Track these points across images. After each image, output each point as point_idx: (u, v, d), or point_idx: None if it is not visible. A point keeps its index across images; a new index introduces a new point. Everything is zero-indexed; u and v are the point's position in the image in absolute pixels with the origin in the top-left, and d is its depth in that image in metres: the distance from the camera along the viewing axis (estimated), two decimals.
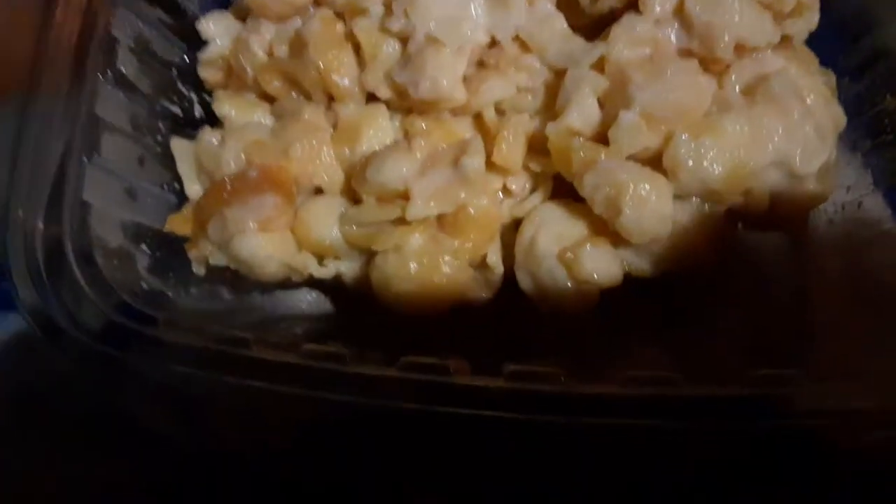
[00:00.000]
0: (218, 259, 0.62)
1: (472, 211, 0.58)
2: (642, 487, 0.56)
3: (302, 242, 0.62)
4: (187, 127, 0.73)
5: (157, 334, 0.56)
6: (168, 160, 0.69)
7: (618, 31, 0.57)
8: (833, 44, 0.68)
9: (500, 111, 0.63)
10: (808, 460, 0.49)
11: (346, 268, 0.62)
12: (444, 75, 0.59)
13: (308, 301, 0.68)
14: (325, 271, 0.62)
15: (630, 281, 0.60)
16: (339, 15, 0.66)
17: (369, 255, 0.61)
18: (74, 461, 0.63)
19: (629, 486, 0.56)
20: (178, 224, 0.63)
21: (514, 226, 0.60)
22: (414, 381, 0.50)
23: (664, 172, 0.54)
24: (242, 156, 0.63)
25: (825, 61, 0.65)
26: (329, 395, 0.51)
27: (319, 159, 0.63)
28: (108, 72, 0.64)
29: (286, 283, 0.64)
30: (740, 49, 0.57)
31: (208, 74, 0.72)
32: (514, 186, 0.61)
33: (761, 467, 0.50)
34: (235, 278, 0.65)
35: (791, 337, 0.59)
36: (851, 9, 0.70)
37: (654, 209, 0.53)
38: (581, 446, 0.51)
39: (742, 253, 0.63)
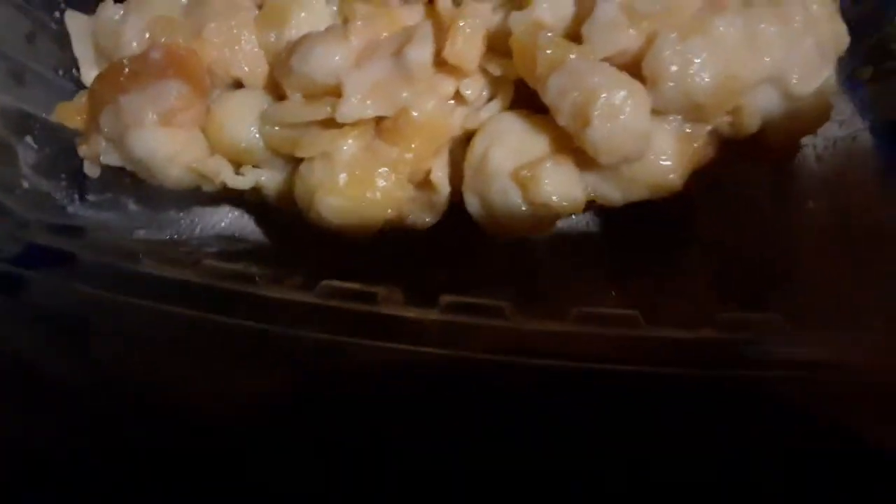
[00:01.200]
0: (112, 158, 0.52)
1: (415, 115, 0.49)
2: (593, 437, 0.49)
3: (215, 144, 0.53)
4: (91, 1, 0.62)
5: (35, 240, 0.47)
6: (65, 39, 0.58)
7: None
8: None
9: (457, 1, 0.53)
10: (782, 413, 0.43)
11: (267, 177, 0.53)
12: None
13: (229, 220, 0.59)
14: (242, 181, 0.53)
15: (592, 209, 0.52)
16: None
17: (294, 163, 0.52)
18: None
19: (577, 435, 0.49)
20: (69, 114, 0.53)
21: (466, 139, 0.52)
22: (333, 309, 0.42)
23: (643, 80, 0.46)
24: (147, 35, 0.53)
25: None
26: (230, 320, 0.42)
27: (239, 45, 0.53)
28: None
29: (202, 198, 0.55)
30: None
31: None
32: (468, 91, 0.51)
33: (730, 419, 0.44)
34: (141, 186, 0.56)
35: (769, 281, 0.53)
36: None
37: (627, 123, 0.44)
38: (524, 389, 0.44)
39: (720, 186, 0.56)
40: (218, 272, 0.45)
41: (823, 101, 0.52)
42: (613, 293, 0.53)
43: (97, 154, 0.52)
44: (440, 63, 0.51)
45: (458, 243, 0.53)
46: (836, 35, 0.52)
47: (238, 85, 0.54)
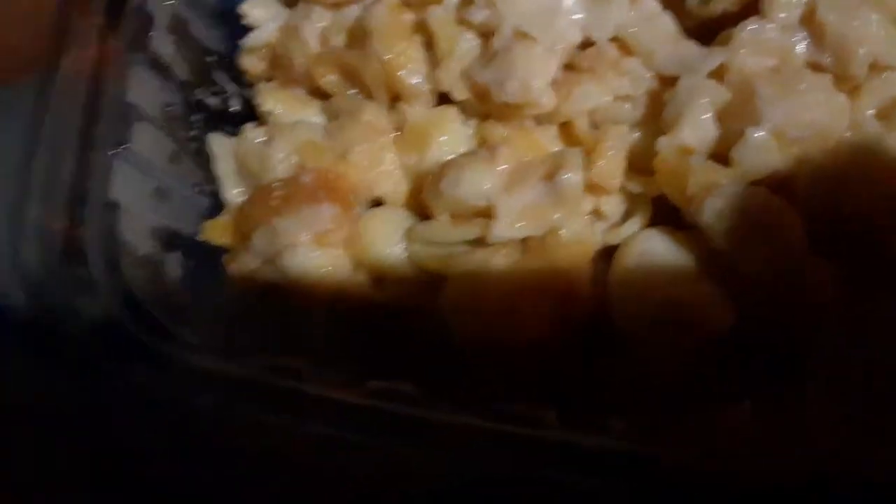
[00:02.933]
0: (262, 275, 0.53)
1: (563, 233, 0.50)
2: None
3: (359, 260, 0.54)
4: (222, 122, 0.65)
5: (189, 358, 0.48)
6: (202, 158, 0.61)
7: (742, 36, 0.50)
8: None
9: (591, 122, 0.55)
10: None
11: (409, 292, 0.54)
12: (535, 76, 0.52)
13: (365, 331, 0.59)
14: (384, 295, 0.54)
15: None
16: (406, 2, 0.58)
17: (437, 280, 0.53)
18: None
19: None
20: (217, 232, 0.55)
21: (606, 254, 0.53)
22: (509, 434, 0.42)
23: (794, 201, 0.47)
24: (293, 158, 0.55)
25: None
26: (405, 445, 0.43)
27: (382, 166, 0.55)
28: (141, 52, 0.56)
29: (336, 307, 0.56)
30: (873, 67, 0.51)
31: (250, 64, 0.64)
32: (607, 208, 0.53)
33: None
34: (277, 297, 0.57)
35: None
36: None
37: (788, 251, 0.45)
38: None
39: None
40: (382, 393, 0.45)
41: None
42: None
43: (247, 271, 0.54)
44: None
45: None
46: None
47: (378, 203, 0.56)
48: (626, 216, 0.54)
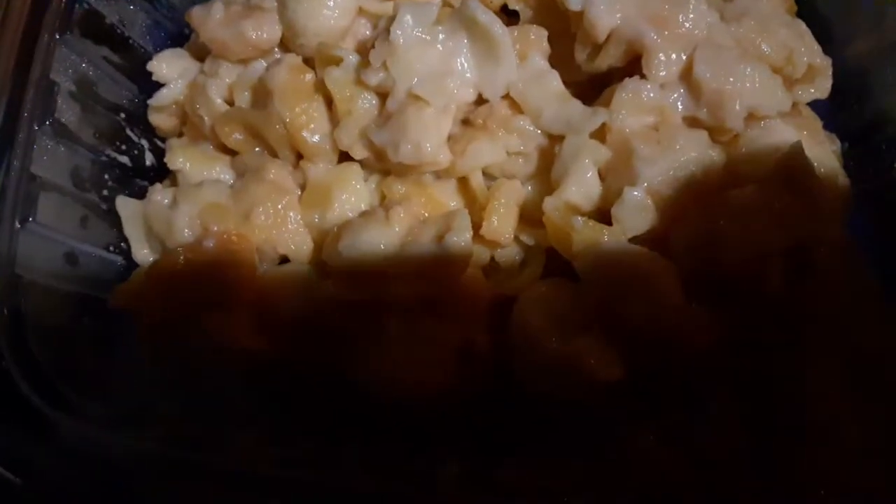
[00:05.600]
0: (172, 338, 0.54)
1: (456, 288, 0.52)
2: None
3: (264, 320, 0.55)
4: (137, 177, 0.66)
5: (96, 431, 0.49)
6: (114, 217, 0.61)
7: (621, 96, 0.51)
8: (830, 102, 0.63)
9: (487, 174, 0.57)
10: None
11: (315, 351, 0.56)
12: (428, 138, 0.53)
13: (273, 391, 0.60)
14: (291, 355, 0.55)
15: None
16: (309, 62, 0.60)
17: (342, 337, 0.54)
18: None
19: None
20: (126, 297, 0.56)
21: (503, 304, 0.54)
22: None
23: (671, 255, 0.49)
24: (198, 221, 0.56)
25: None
26: None
27: (286, 225, 0.56)
28: (46, 122, 0.56)
29: (244, 369, 0.57)
30: (750, 117, 0.53)
31: (160, 121, 0.65)
32: (502, 260, 0.55)
33: None
34: (186, 361, 0.58)
35: None
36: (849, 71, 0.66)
37: (664, 302, 0.47)
38: None
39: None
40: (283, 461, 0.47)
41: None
42: None
43: (156, 336, 0.55)
44: (476, 236, 0.54)
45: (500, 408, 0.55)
46: (843, 191, 0.56)
47: (284, 260, 0.58)
48: (523, 266, 0.56)
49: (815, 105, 0.60)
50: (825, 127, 0.60)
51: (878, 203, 0.62)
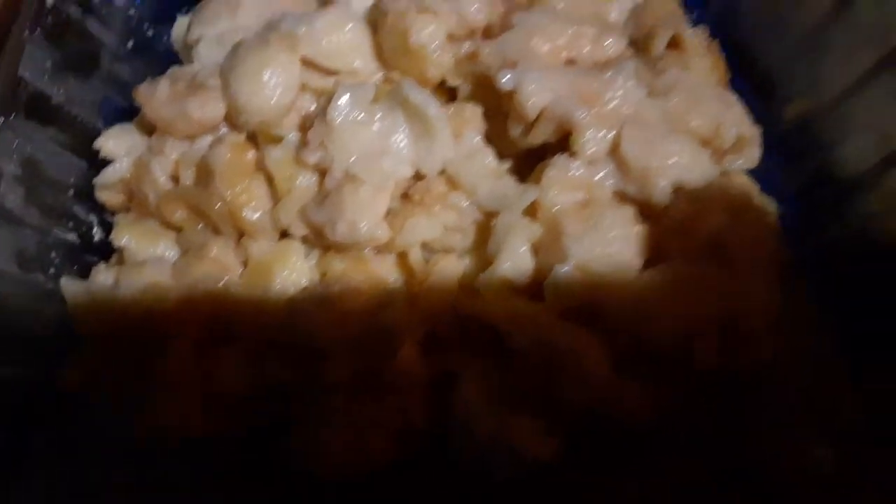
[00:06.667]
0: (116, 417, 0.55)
1: (393, 369, 0.52)
2: None
3: (211, 396, 0.55)
4: (86, 253, 0.66)
5: None
6: (61, 297, 0.61)
7: (550, 174, 0.53)
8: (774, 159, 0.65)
9: (427, 247, 0.58)
10: None
11: (261, 427, 0.56)
12: (364, 217, 0.54)
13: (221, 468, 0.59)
14: (239, 431, 0.55)
15: None
16: (253, 138, 0.61)
17: (285, 417, 0.54)
18: None
19: None
20: (71, 380, 0.56)
21: (440, 379, 0.55)
22: None
23: (603, 329, 0.50)
24: (140, 302, 0.56)
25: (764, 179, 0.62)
26: None
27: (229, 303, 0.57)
28: None
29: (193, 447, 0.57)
30: (678, 191, 0.54)
31: (108, 198, 0.65)
32: (440, 335, 0.55)
33: None
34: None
35: None
36: (793, 125, 0.69)
37: (593, 378, 0.48)
38: None
39: None
40: None
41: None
42: None
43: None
44: (413, 309, 0.55)
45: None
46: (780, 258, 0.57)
47: (228, 336, 0.58)
48: (462, 340, 0.56)
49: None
50: (768, 186, 0.61)
51: (822, 259, 0.63)
